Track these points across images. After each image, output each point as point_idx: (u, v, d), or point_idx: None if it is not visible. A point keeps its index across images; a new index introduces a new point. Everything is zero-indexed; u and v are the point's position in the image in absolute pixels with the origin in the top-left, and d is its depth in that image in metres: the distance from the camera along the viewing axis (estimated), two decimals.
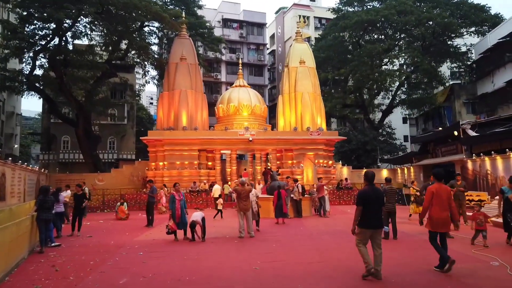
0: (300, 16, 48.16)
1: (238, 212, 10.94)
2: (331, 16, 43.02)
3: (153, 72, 34.27)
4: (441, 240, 6.89)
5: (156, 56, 28.48)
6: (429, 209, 6.87)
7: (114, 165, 34.43)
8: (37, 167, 24.90)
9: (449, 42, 36.56)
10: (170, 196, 10.31)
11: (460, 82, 36.97)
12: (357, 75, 34.40)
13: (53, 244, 9.93)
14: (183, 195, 10.64)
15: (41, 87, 28.51)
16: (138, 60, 30.44)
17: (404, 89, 38.67)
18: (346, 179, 26.24)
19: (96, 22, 26.21)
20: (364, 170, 33.57)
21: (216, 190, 21.09)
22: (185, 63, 26.31)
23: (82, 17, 25.95)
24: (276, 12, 54.82)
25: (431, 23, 32.22)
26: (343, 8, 37.94)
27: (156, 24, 32.10)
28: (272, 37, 52.68)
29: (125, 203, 17.35)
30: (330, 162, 27.35)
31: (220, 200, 17.37)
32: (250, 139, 25.24)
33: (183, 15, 27.78)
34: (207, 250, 9.18)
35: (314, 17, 50.18)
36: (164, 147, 25.08)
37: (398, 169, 29.42)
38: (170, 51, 27.34)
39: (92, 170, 28.04)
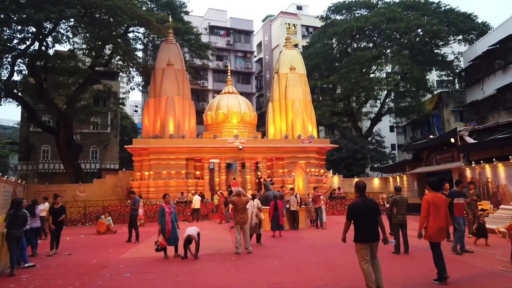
0: (288, 23, 48.10)
1: (235, 225, 10.01)
2: (319, 24, 42.78)
3: (138, 79, 33.21)
4: None
5: (141, 61, 27.36)
6: (426, 220, 6.79)
7: (96, 176, 32.98)
8: (14, 178, 23.45)
9: (436, 51, 36.63)
10: (160, 208, 9.28)
11: (448, 90, 36.93)
12: (346, 83, 34.05)
13: (26, 265, 8.78)
14: (174, 207, 9.63)
15: (20, 94, 27.12)
16: (122, 65, 29.25)
17: (392, 97, 38.47)
18: (339, 188, 25.53)
19: (78, 26, 25.13)
20: (355, 179, 33.09)
21: (196, 201, 20.19)
22: (172, 68, 25.38)
23: (63, 20, 24.91)
24: (263, 20, 54.46)
25: (419, 30, 32.12)
26: (331, 16, 37.63)
27: (141, 30, 31.22)
28: (259, 45, 52.18)
29: (109, 217, 16.16)
30: (322, 170, 26.63)
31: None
32: (240, 147, 24.34)
33: (170, 19, 26.85)
34: (203, 270, 8.19)
35: (302, 25, 49.94)
36: (150, 156, 23.97)
37: (390, 177, 28.87)
38: (157, 56, 26.39)
39: (73, 181, 26.71)
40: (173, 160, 24.05)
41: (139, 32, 31.19)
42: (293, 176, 25.10)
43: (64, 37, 25.97)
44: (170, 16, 27.52)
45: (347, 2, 36.64)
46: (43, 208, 13.37)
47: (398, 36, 34.98)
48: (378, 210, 6.12)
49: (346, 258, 9.14)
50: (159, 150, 23.80)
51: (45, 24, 23.31)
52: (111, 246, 12.13)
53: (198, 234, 9.35)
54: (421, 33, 32.18)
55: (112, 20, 25.27)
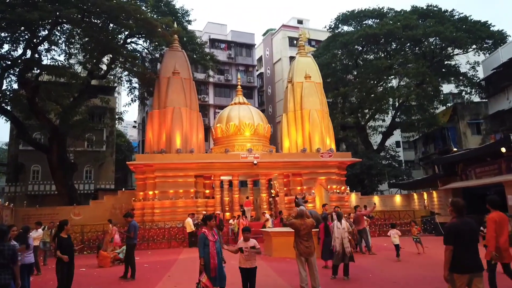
0: (288, 37, 46.62)
1: (297, 257, 7.53)
2: (321, 37, 41.32)
3: (136, 92, 30.79)
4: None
5: (145, 65, 25.08)
6: (495, 240, 6.43)
7: (92, 197, 30.26)
8: (1, 201, 20.77)
9: (446, 62, 35.08)
10: (200, 235, 6.76)
11: (463, 101, 35.24)
12: (360, 93, 32.24)
13: None
14: (219, 235, 7.20)
15: (9, 108, 24.66)
16: (121, 76, 26.99)
17: (404, 108, 36.60)
18: (365, 206, 23.13)
19: (75, 32, 22.92)
20: (375, 196, 30.78)
21: (188, 224, 17.75)
22: (178, 77, 23.19)
23: (59, 27, 22.71)
24: (264, 34, 52.95)
25: (434, 39, 30.55)
26: (339, 25, 36.06)
27: (141, 42, 29.18)
28: (260, 60, 50.49)
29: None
30: (343, 187, 24.31)
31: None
32: (255, 162, 21.98)
33: (175, 25, 24.80)
34: None
35: None
36: (155, 173, 21.45)
37: (415, 194, 26.63)
38: (161, 64, 24.21)
39: (67, 203, 24.06)
40: (181, 177, 21.56)
41: (138, 44, 29.14)
42: (313, 193, 22.75)
43: (59, 45, 23.82)
44: (174, 22, 25.42)
45: (356, 11, 35.14)
46: (36, 236, 10.84)
47: (411, 45, 33.45)
48: (478, 234, 5.49)
49: None
50: (165, 167, 21.31)
51: (39, 28, 21.11)
52: (129, 285, 9.58)
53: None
54: (439, 41, 30.55)
55: (112, 24, 23.22)
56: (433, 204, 23.54)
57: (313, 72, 25.35)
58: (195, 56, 29.44)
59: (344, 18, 35.98)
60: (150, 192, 21.46)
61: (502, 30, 32.16)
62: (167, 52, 24.25)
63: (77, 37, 23.10)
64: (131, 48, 28.38)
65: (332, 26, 36.17)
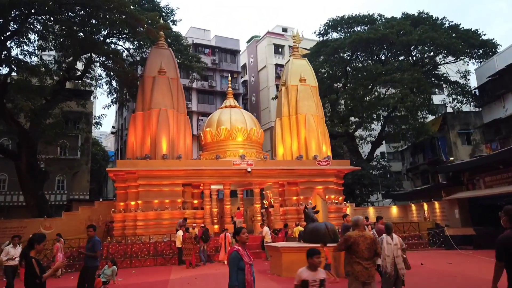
0: (274, 44, 45.49)
1: (351, 283, 5.72)
2: (306, 45, 40.29)
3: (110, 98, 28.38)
4: None
5: (126, 68, 22.95)
6: None
7: (65, 208, 27.59)
8: None
9: (434, 72, 34.56)
10: (232, 254, 4.82)
11: (453, 111, 34.67)
12: (349, 101, 31.12)
13: None
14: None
15: None
16: (102, 75, 24.81)
17: (394, 116, 35.71)
18: (366, 218, 21.65)
19: (50, 28, 20.73)
20: (370, 207, 29.43)
21: (179, 238, 15.75)
22: (164, 77, 21.27)
23: (31, 19, 20.45)
24: (248, 41, 51.69)
25: (430, 45, 29.83)
26: (330, 31, 35.04)
27: (121, 43, 27.17)
28: (244, 67, 49.03)
29: (113, 267, 11.40)
30: (341, 198, 22.78)
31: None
32: (249, 170, 20.19)
33: (161, 20, 22.96)
34: None
35: (289, 46, 47.40)
36: (138, 181, 19.31)
37: (413, 205, 25.36)
38: (146, 63, 22.21)
39: (36, 215, 21.60)
40: (167, 186, 19.50)
41: (118, 45, 27.04)
42: (311, 204, 21.06)
43: (31, 40, 21.54)
44: (160, 18, 23.56)
45: (346, 16, 34.22)
46: (13, 254, 8.78)
47: (403, 53, 32.73)
48: None
49: None
50: (149, 174, 19.22)
51: (7, 18, 18.84)
52: None
53: None
54: (432, 48, 29.85)
55: (93, 20, 21.18)
56: (435, 215, 22.27)
57: (308, 75, 23.98)
58: (180, 57, 27.53)
59: (334, 24, 34.98)
60: (132, 203, 19.27)
61: (492, 39, 31.86)
62: (153, 49, 22.34)
63: (52, 30, 20.83)
64: (111, 49, 26.30)
65: (322, 32, 35.10)
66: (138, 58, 28.10)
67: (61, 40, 21.58)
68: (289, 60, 25.00)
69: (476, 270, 11.69)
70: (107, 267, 11.23)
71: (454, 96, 32.17)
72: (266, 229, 17.41)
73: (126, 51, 27.91)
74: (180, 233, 15.69)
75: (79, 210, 21.58)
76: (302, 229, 15.42)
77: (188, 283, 11.40)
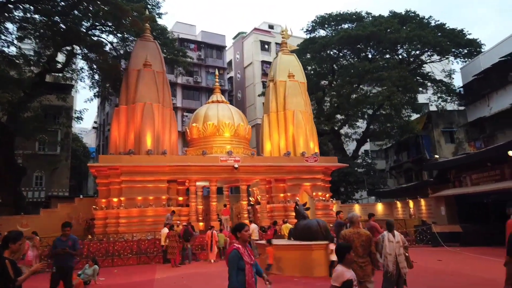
0: (260, 41, 45.04)
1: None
2: (294, 42, 40.05)
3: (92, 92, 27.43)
4: None
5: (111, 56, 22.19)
6: None
7: (43, 205, 26.60)
8: None
9: (419, 71, 34.80)
10: (231, 253, 4.39)
11: (437, 110, 34.98)
12: (336, 99, 31.00)
13: None
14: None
15: None
16: (84, 68, 23.94)
17: (379, 114, 35.82)
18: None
19: (30, 18, 19.87)
20: (356, 204, 29.38)
21: (164, 235, 15.24)
22: (150, 70, 20.64)
23: (10, 7, 19.52)
24: (234, 38, 51.10)
25: (417, 43, 29.92)
26: (318, 28, 34.85)
27: (104, 36, 26.26)
28: (229, 63, 48.47)
29: (94, 267, 10.79)
30: (327, 195, 22.58)
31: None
32: (236, 166, 19.77)
33: (147, 12, 22.28)
34: None
35: (276, 43, 47.09)
36: (121, 178, 18.67)
37: (398, 202, 25.39)
38: (130, 55, 21.53)
39: (13, 212, 20.75)
40: (151, 182, 18.91)
41: (101, 38, 26.14)
42: (298, 201, 20.76)
43: (10, 30, 20.63)
44: (146, 9, 22.86)
45: (334, 14, 34.07)
46: None
47: (389, 51, 32.79)
48: None
49: None
50: (133, 170, 18.59)
51: None
52: None
53: None
54: (419, 46, 29.97)
55: (74, 9, 20.36)
56: (421, 212, 22.33)
57: (297, 71, 23.69)
58: (165, 51, 26.85)
59: (321, 21, 34.80)
60: (115, 199, 18.63)
61: (477, 38, 32.21)
62: (138, 42, 21.66)
63: (32, 20, 19.95)
64: (92, 41, 25.41)
65: (310, 29, 34.88)
66: (122, 52, 27.28)
67: (41, 31, 20.76)
68: (277, 56, 24.70)
69: (468, 268, 11.57)
70: (87, 267, 10.66)
71: (439, 95, 32.41)
72: (253, 226, 17.01)
73: (109, 44, 27.09)
74: (165, 230, 15.16)
75: (58, 207, 20.80)
76: (290, 226, 15.14)
77: (175, 283, 10.93)
